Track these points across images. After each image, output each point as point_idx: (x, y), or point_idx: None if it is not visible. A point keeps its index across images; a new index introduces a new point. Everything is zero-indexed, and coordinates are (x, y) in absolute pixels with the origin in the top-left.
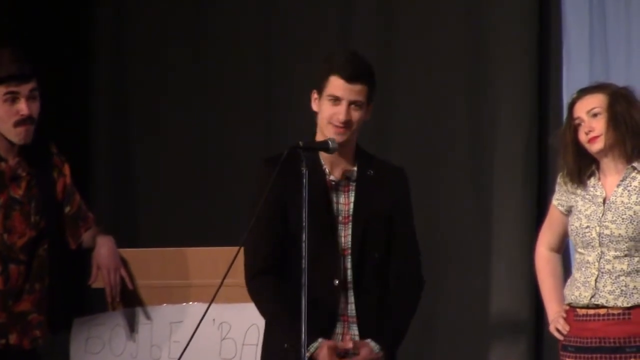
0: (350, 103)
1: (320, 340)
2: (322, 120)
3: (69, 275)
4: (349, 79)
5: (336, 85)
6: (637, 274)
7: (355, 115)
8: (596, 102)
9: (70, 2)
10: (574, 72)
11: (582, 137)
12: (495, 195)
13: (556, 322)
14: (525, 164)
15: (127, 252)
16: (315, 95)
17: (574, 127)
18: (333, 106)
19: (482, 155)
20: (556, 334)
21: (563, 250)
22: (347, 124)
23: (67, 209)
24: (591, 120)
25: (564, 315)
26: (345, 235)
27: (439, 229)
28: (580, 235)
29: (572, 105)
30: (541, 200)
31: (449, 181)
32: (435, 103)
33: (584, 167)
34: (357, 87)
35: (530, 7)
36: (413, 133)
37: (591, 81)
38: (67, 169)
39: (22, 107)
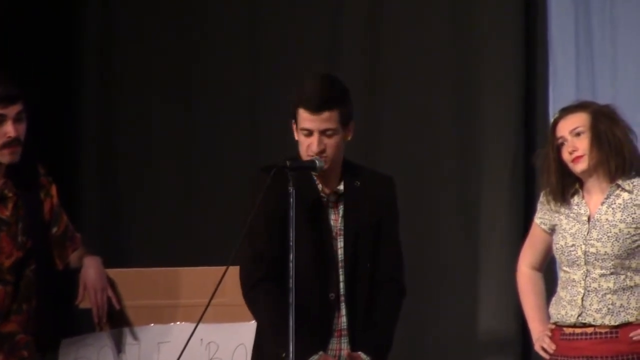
0: (321, 132)
1: (321, 353)
2: (301, 151)
3: (56, 295)
4: (315, 110)
5: (304, 118)
6: (624, 292)
7: (330, 142)
8: (579, 121)
9: (55, 24)
10: (561, 92)
11: (566, 157)
12: (482, 213)
13: (541, 341)
14: (512, 183)
15: (115, 273)
16: (294, 125)
17: (557, 146)
18: (306, 138)
19: (470, 174)
20: (542, 353)
21: (544, 268)
22: (322, 152)
23: (54, 230)
24: (574, 139)
25: (549, 333)
26: (337, 249)
27: (426, 246)
28: (566, 254)
29: (554, 125)
30: (528, 219)
31: (436, 199)
32: (422, 122)
33: (567, 186)
34: (325, 115)
35: (517, 26)
36: (400, 150)
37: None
38: (54, 190)
39: (9, 129)
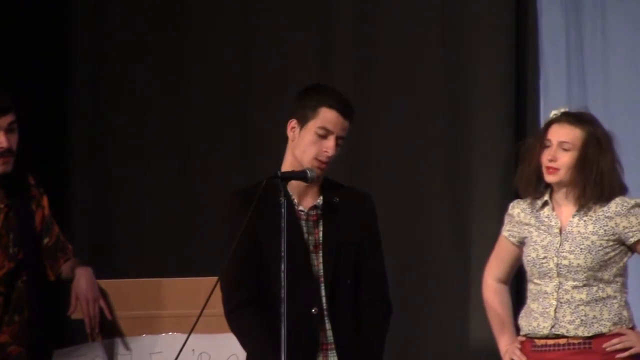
0: (337, 138)
1: None
2: (303, 152)
3: (48, 306)
4: (344, 113)
5: (329, 118)
6: (596, 303)
7: (337, 151)
8: (571, 136)
9: (45, 30)
10: (551, 99)
11: (544, 161)
12: (473, 222)
13: (511, 354)
14: (502, 194)
15: (107, 283)
16: (293, 124)
17: (543, 144)
18: (320, 140)
19: (460, 185)
20: None
21: (510, 281)
22: (330, 159)
23: (46, 241)
24: (558, 151)
25: (519, 345)
26: (317, 264)
27: (417, 258)
28: (537, 266)
29: (550, 123)
30: None
31: (427, 210)
32: (413, 128)
33: (538, 185)
34: (347, 123)
35: (508, 33)
36: (390, 156)
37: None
38: (45, 201)
39: (1, 139)
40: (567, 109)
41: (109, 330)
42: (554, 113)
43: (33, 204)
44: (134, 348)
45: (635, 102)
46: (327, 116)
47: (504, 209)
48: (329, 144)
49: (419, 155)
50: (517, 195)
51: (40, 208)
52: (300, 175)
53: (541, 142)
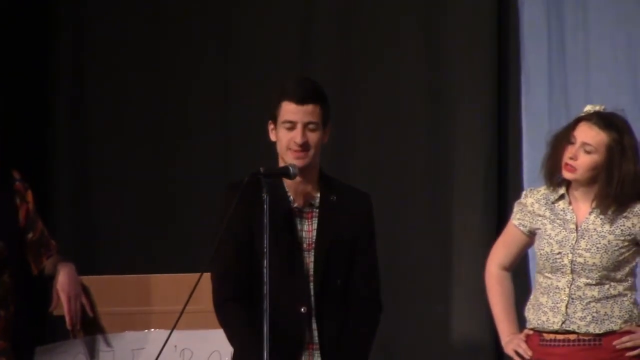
0: (305, 125)
1: None
2: (281, 148)
3: (32, 302)
4: (300, 101)
5: (288, 109)
6: (607, 301)
7: (312, 137)
8: (596, 140)
9: (28, 31)
10: (533, 98)
11: (565, 156)
12: (455, 220)
13: (516, 345)
14: (485, 189)
15: (89, 280)
16: (271, 126)
17: (568, 140)
18: (289, 132)
19: (442, 180)
20: (515, 356)
21: (514, 269)
22: (304, 146)
23: (30, 235)
24: (580, 151)
25: (523, 337)
26: (309, 262)
27: (399, 254)
28: (551, 261)
29: (580, 120)
30: (500, 225)
31: (409, 206)
32: (394, 128)
33: (558, 177)
34: (310, 108)
35: (489, 35)
36: (371, 156)
37: (550, 109)
38: (29, 196)
39: None
40: (603, 107)
41: (91, 327)
42: (587, 109)
43: (17, 198)
44: (116, 345)
45: (617, 98)
46: (286, 109)
47: (486, 204)
48: (296, 133)
49: (400, 151)
50: (499, 192)
51: (25, 202)
52: (282, 171)
53: (567, 137)
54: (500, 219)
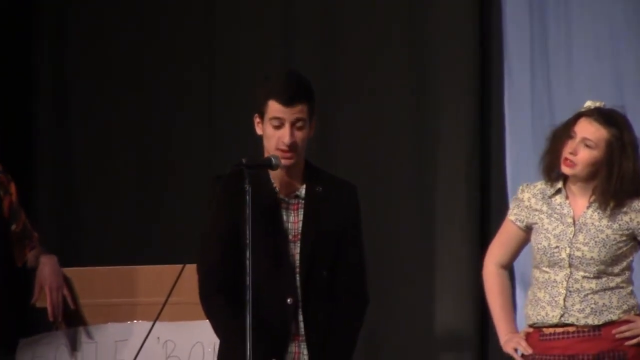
0: (292, 124)
1: None
2: (268, 144)
3: (15, 294)
4: (287, 102)
5: (277, 109)
6: (605, 292)
7: (300, 135)
8: (596, 135)
9: (10, 36)
10: (515, 94)
11: (565, 151)
12: (438, 211)
13: (516, 344)
14: (468, 180)
15: (72, 271)
16: (257, 119)
17: (568, 135)
18: (276, 130)
19: (425, 171)
20: (514, 354)
21: (511, 266)
22: (292, 146)
23: (13, 227)
24: (580, 146)
25: (523, 336)
26: (295, 254)
27: (382, 243)
28: (548, 255)
29: (580, 115)
30: (484, 217)
31: (392, 198)
32: (377, 123)
33: (556, 172)
34: (297, 108)
35: (472, 28)
36: (355, 150)
37: (533, 100)
38: (13, 187)
39: None
40: (603, 104)
41: (74, 319)
42: (587, 105)
43: (0, 190)
44: (98, 336)
45: (598, 92)
46: (274, 108)
47: (469, 195)
48: (284, 132)
49: (384, 144)
50: (481, 187)
51: (8, 194)
52: (265, 162)
53: (567, 132)
54: (483, 211)
